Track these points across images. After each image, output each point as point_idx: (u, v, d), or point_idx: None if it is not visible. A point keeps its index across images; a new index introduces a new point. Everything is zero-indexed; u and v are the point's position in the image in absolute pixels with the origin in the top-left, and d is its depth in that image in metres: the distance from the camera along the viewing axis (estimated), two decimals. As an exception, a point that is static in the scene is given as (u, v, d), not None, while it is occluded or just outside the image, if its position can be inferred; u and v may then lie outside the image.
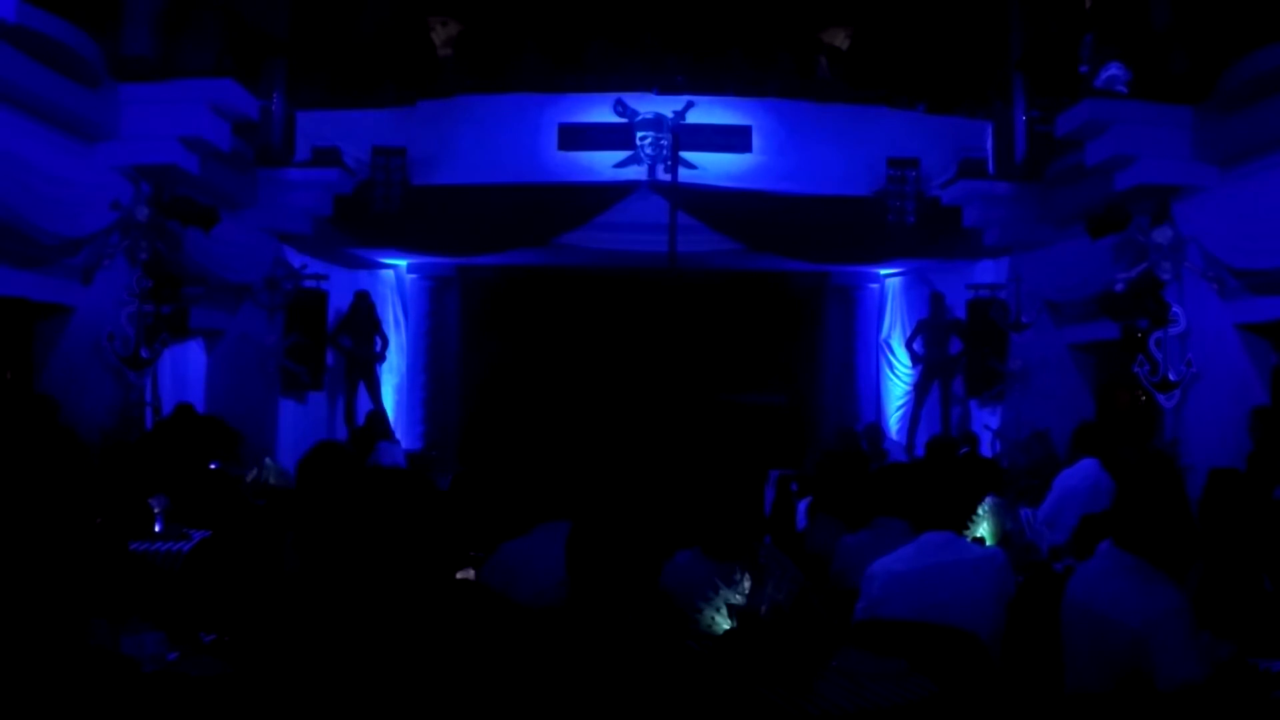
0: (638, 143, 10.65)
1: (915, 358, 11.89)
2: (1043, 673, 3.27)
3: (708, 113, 10.90)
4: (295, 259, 10.70)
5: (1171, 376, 8.10)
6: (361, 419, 11.37)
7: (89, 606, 2.80)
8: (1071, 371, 10.07)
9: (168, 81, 8.25)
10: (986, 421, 10.97)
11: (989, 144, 10.88)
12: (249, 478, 6.88)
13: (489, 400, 12.35)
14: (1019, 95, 10.60)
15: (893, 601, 3.55)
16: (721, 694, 2.48)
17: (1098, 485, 5.98)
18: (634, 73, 11.09)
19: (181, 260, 8.53)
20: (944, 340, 11.62)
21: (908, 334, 12.03)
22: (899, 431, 11.98)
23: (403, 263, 12.44)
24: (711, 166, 10.75)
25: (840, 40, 11.94)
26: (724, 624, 3.04)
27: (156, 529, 5.37)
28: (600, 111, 10.81)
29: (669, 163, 10.37)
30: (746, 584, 3.09)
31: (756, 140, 10.95)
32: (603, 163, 10.71)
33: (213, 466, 6.67)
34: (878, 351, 12.60)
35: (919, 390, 11.90)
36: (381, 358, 11.89)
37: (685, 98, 10.82)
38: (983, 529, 4.87)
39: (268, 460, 7.27)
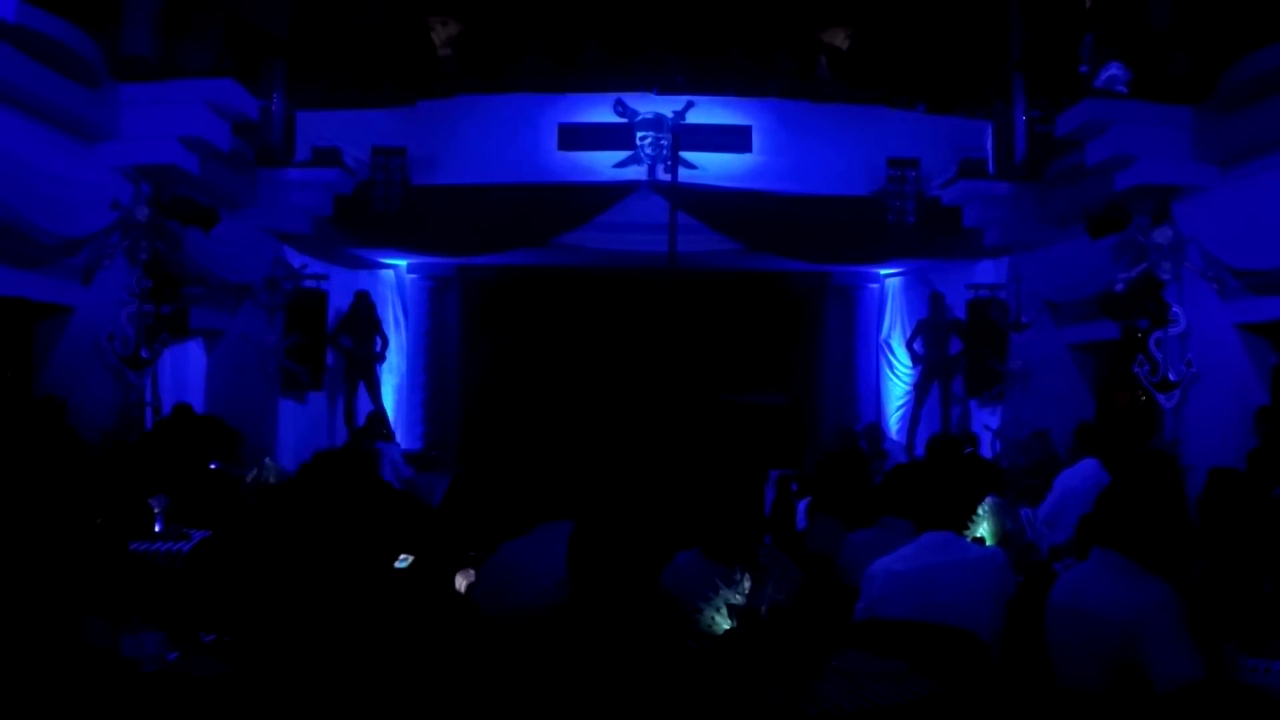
0: (638, 143, 10.65)
1: (915, 358, 11.89)
2: (1043, 672, 3.27)
3: (708, 113, 10.90)
4: (295, 259, 10.70)
5: (1171, 376, 8.10)
6: (361, 419, 11.38)
7: (87, 605, 2.80)
8: (1071, 371, 10.07)
9: (168, 81, 8.26)
10: (986, 421, 10.97)
11: (989, 144, 10.88)
12: (249, 478, 6.88)
13: (489, 400, 12.35)
14: (1019, 95, 10.60)
15: (893, 601, 3.55)
16: (721, 694, 2.48)
17: (1098, 485, 5.94)
18: (634, 73, 11.09)
19: (181, 260, 8.53)
20: (944, 340, 11.62)
21: (908, 334, 12.03)
22: (899, 431, 11.98)
23: (403, 263, 12.44)
24: (711, 166, 10.75)
25: (840, 40, 11.94)
26: (724, 624, 3.04)
27: (156, 529, 5.38)
28: (600, 111, 10.80)
29: (669, 163, 10.37)
30: (746, 584, 3.09)
31: (756, 140, 10.95)
32: (603, 163, 10.71)
33: (213, 466, 6.67)
34: (878, 351, 12.59)
35: (919, 390, 11.90)
36: (381, 358, 11.89)
37: (685, 98, 10.82)
38: (983, 529, 4.87)
39: (268, 460, 7.27)
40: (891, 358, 12.44)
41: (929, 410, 11.84)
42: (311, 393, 11.12)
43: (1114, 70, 8.36)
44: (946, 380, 11.67)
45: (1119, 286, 8.46)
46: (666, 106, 10.75)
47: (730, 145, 10.88)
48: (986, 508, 4.92)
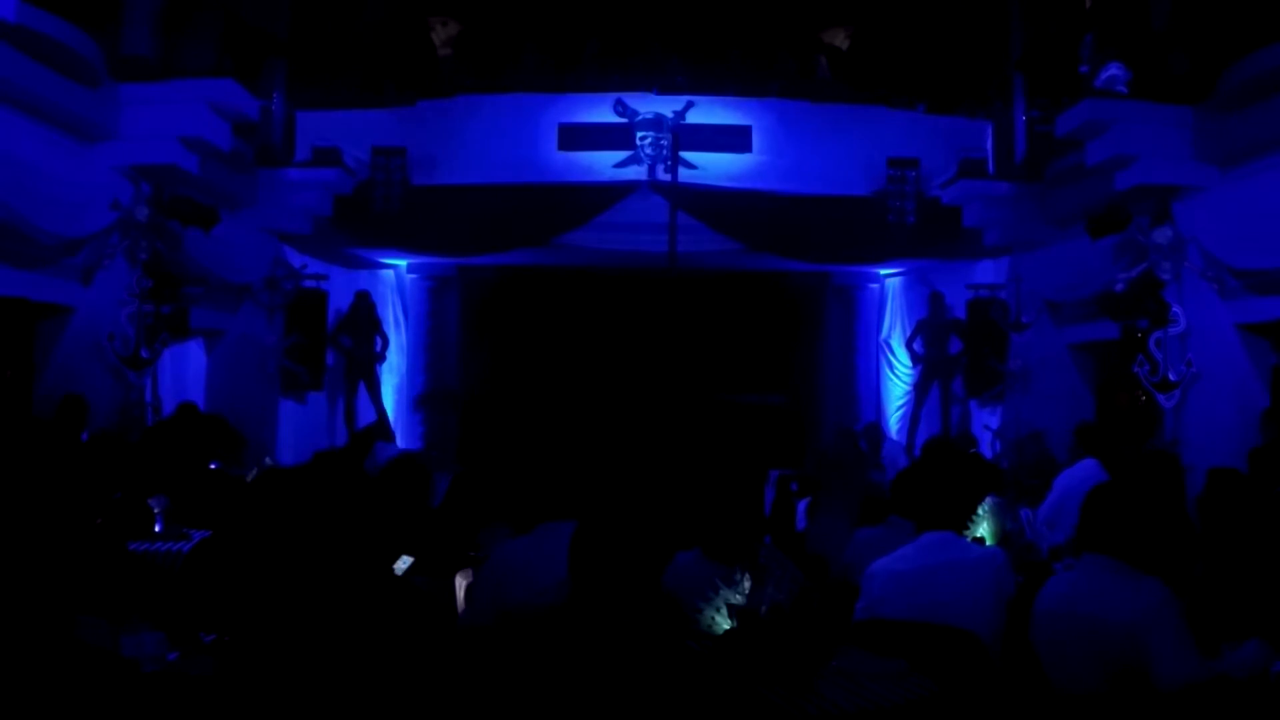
0: (638, 143, 10.65)
1: (915, 358, 11.89)
2: (1043, 672, 3.27)
3: (708, 113, 10.90)
4: (295, 259, 10.71)
5: (1171, 376, 8.10)
6: (361, 419, 11.39)
7: (83, 603, 2.80)
8: (1071, 371, 10.07)
9: (168, 81, 8.26)
10: (986, 421, 10.97)
11: (989, 144, 10.88)
12: (249, 478, 6.88)
13: (489, 400, 12.35)
14: (1019, 95, 10.60)
15: (893, 601, 3.55)
16: (721, 694, 2.48)
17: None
18: (634, 73, 11.09)
19: (181, 260, 8.53)
20: (944, 340, 11.62)
21: (908, 334, 12.03)
22: (899, 431, 11.98)
23: (403, 263, 12.44)
24: (711, 166, 10.75)
25: (840, 40, 11.95)
26: (724, 624, 3.04)
27: (156, 529, 5.37)
28: (600, 111, 10.80)
29: (669, 163, 10.37)
30: (747, 584, 3.10)
31: (756, 140, 10.95)
32: (603, 163, 10.70)
33: (213, 466, 6.67)
34: (878, 351, 12.59)
35: (919, 390, 11.90)
36: (381, 358, 11.89)
37: (685, 98, 10.81)
38: (983, 529, 4.87)
39: (268, 460, 7.28)
40: (891, 358, 12.44)
41: (929, 410, 11.84)
42: (311, 393, 11.12)
43: (1114, 70, 8.36)
44: (946, 380, 11.67)
45: (1119, 286, 8.46)
46: (666, 106, 10.74)
47: (730, 145, 10.87)
48: (986, 508, 4.92)
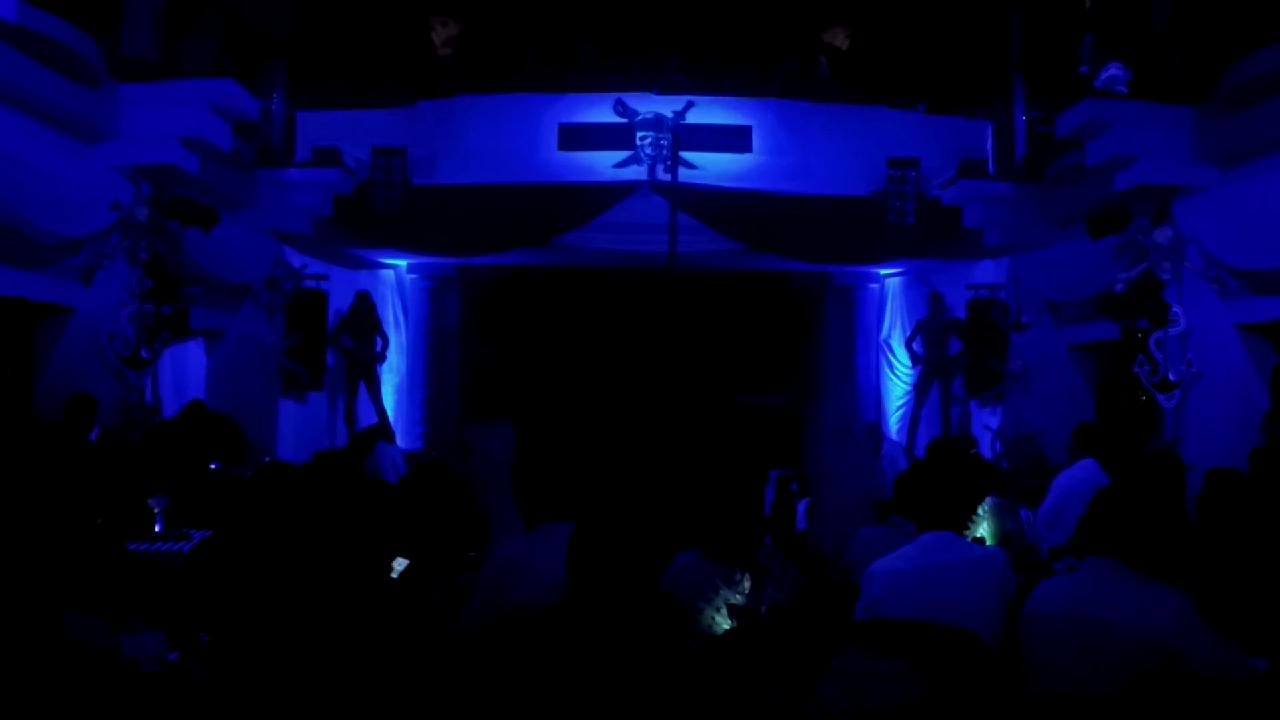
0: (638, 143, 10.65)
1: (915, 358, 11.89)
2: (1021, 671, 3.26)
3: (708, 113, 10.90)
4: (295, 259, 10.70)
5: (1171, 376, 8.10)
6: (361, 419, 11.38)
7: (79, 603, 2.80)
8: (1071, 371, 10.07)
9: (168, 81, 8.26)
10: (986, 421, 10.97)
11: (989, 144, 10.88)
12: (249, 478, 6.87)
13: (489, 400, 12.34)
14: (1019, 95, 10.60)
15: (893, 601, 3.55)
16: (721, 694, 2.48)
17: (1096, 485, 5.96)
18: (634, 73, 11.08)
19: (181, 260, 8.53)
20: (944, 340, 11.62)
21: (907, 334, 12.03)
22: (899, 432, 11.98)
23: (403, 263, 12.44)
24: (711, 166, 10.75)
25: (840, 40, 11.93)
26: (724, 624, 3.04)
27: (156, 529, 5.38)
28: (600, 111, 10.80)
29: (669, 163, 10.37)
30: (746, 584, 3.09)
31: (756, 140, 10.95)
32: (603, 163, 10.70)
33: (213, 466, 6.67)
34: (878, 351, 12.59)
35: (919, 390, 11.90)
36: (382, 358, 11.89)
37: (685, 98, 10.81)
38: (983, 529, 4.87)
39: (268, 460, 7.27)
40: (891, 358, 12.44)
41: (929, 410, 11.84)
42: (311, 393, 11.12)
43: (1114, 70, 8.36)
44: (946, 380, 11.67)
45: (1119, 286, 8.46)
46: (666, 106, 10.74)
47: (730, 145, 10.88)
48: (986, 508, 4.92)
